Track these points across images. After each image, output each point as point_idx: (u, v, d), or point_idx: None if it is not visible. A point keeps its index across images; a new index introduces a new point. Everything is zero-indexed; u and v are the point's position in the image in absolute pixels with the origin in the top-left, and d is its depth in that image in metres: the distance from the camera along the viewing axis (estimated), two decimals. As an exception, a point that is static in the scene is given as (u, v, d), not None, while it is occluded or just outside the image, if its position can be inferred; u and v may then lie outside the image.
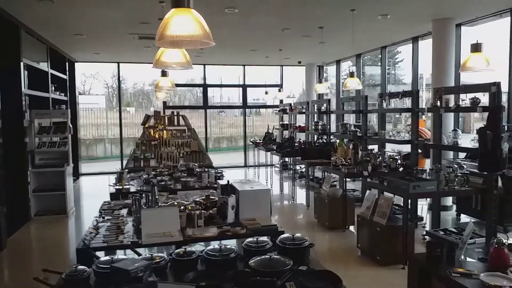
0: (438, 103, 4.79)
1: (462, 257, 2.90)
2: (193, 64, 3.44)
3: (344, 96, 10.29)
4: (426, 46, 7.86)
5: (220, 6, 5.79)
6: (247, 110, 13.47)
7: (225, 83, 14.38)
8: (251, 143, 10.90)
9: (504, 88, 5.50)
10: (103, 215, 3.53)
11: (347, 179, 8.35)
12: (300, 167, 9.94)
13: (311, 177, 9.22)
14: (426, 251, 2.93)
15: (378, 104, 6.12)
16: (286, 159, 10.21)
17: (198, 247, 2.87)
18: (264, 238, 2.76)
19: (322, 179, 7.78)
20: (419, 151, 6.73)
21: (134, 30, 7.13)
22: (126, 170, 5.90)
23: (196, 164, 6.48)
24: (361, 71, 11.02)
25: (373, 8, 5.98)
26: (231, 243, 2.76)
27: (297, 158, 7.84)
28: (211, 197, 3.72)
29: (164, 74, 5.72)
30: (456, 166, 4.60)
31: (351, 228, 5.74)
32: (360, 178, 6.51)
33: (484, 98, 4.59)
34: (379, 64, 9.94)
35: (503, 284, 2.31)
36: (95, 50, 9.67)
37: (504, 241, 2.74)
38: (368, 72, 15.06)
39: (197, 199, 3.70)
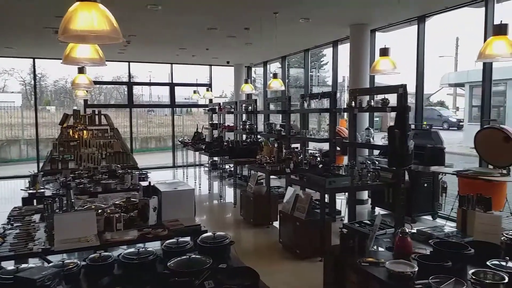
0: (353, 104, 5.12)
1: (375, 247, 3.15)
2: (117, 61, 3.32)
3: (270, 97, 10.55)
4: (347, 50, 8.34)
5: (142, 2, 5.65)
6: (177, 109, 13.25)
7: (156, 81, 13.99)
8: (179, 143, 10.76)
9: (412, 89, 6.05)
10: (12, 222, 3.28)
11: (274, 176, 8.65)
12: (229, 166, 10.02)
13: (239, 176, 9.34)
14: (340, 243, 3.13)
15: (299, 104, 6.38)
16: (216, 158, 10.23)
17: (120, 252, 2.80)
18: (186, 239, 2.77)
19: (249, 178, 7.92)
20: (338, 148, 7.17)
21: (49, 24, 6.69)
22: (41, 173, 5.52)
23: (119, 165, 6.25)
24: (287, 73, 11.38)
25: (295, 11, 6.21)
26: (155, 246, 2.72)
27: (225, 157, 7.90)
28: (132, 199, 3.63)
29: (81, 71, 5.43)
30: (369, 162, 4.96)
31: (275, 224, 5.94)
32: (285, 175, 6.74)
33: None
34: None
35: (406, 270, 2.48)
36: (7, 44, 8.91)
37: (407, 230, 3.01)
38: (296, 74, 15.57)
39: (117, 202, 3.59)
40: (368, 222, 4.80)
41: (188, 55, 10.56)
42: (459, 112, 26.97)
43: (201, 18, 6.69)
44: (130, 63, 11.74)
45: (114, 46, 8.94)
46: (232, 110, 10.04)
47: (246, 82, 8.24)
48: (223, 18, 6.69)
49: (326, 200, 6.05)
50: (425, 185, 6.02)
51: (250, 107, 8.94)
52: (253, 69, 13.55)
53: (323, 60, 23.29)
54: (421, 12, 6.38)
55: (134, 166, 6.82)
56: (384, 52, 4.39)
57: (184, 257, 2.35)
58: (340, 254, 3.08)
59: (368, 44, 7.12)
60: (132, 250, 2.47)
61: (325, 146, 6.61)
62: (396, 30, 7.55)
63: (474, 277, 2.26)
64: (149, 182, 3.61)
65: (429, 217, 6.20)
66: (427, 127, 6.43)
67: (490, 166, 5.33)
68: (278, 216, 5.11)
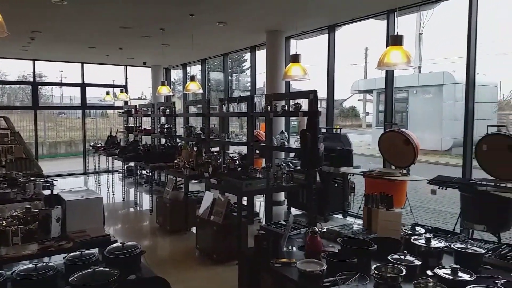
0: (269, 108, 5.23)
1: (289, 247, 3.23)
2: (20, 59, 2.99)
3: (189, 100, 10.40)
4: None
5: (46, -4, 5.23)
6: (91, 112, 12.44)
7: (69, 81, 12.95)
8: (91, 147, 10.12)
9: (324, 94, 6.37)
10: None
11: (195, 181, 8.52)
12: (147, 172, 9.66)
13: (156, 182, 9.06)
14: (254, 245, 3.16)
15: (218, 108, 6.38)
16: (132, 164, 9.79)
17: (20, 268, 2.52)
18: (93, 251, 2.59)
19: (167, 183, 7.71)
20: (257, 151, 7.28)
21: None
22: None
23: (20, 173, 5.68)
24: (207, 76, 11.34)
25: (211, 15, 6.20)
26: (59, 260, 2.50)
27: (141, 162, 7.60)
28: (32, 209, 3.31)
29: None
30: (284, 164, 5.10)
31: (193, 229, 5.84)
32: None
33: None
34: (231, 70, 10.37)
35: (316, 269, 2.57)
36: None
37: (317, 230, 3.13)
38: (218, 78, 15.60)
39: (15, 213, 3.25)
40: (283, 223, 4.93)
41: (100, 55, 10.00)
42: (368, 117, 29.11)
43: (112, 16, 6.38)
44: (36, 61, 10.79)
45: (15, 42, 8.15)
46: (149, 112, 9.71)
47: (163, 84, 8.03)
48: (136, 17, 6.44)
49: (245, 203, 6.14)
50: (336, 185, 6.36)
51: (168, 110, 8.72)
52: (174, 71, 13.28)
53: (244, 65, 23.65)
54: (331, 22, 6.75)
55: (38, 173, 6.26)
56: (295, 58, 4.56)
57: (89, 270, 2.19)
58: (255, 256, 3.11)
59: (283, 50, 7.35)
60: (29, 266, 2.25)
61: (246, 149, 6.68)
62: (312, 38, 7.89)
63: (376, 271, 2.42)
64: (51, 191, 3.33)
65: (340, 216, 6.56)
66: (338, 130, 6.81)
67: (393, 167, 5.79)
68: (196, 221, 5.03)
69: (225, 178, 4.85)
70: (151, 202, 7.05)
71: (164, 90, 7.87)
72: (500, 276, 2.43)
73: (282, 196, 7.29)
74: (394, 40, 3.03)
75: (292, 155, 7.50)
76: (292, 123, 15.45)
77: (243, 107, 5.81)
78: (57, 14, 6.11)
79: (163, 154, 7.56)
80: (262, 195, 6.34)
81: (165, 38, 7.63)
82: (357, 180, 6.27)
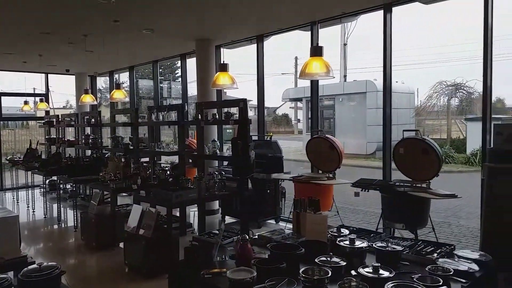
0: (200, 116, 5.20)
1: (222, 256, 3.20)
2: None
3: (116, 109, 10.01)
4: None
5: None
6: (9, 122, 11.43)
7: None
8: (7, 161, 9.30)
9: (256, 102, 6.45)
10: None
11: (125, 194, 8.16)
12: (71, 186, 9.07)
13: (82, 196, 8.56)
14: (185, 257, 3.09)
15: (147, 117, 6.20)
16: (55, 177, 9.14)
17: None
18: (7, 275, 2.37)
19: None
20: (190, 161, 7.18)
21: None
22: None
23: None
24: (135, 84, 11.00)
25: (136, 21, 6.04)
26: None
27: (63, 176, 7.12)
28: None
29: None
30: (216, 173, 5.08)
31: (122, 245, 5.59)
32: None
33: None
34: (163, 77, 10.12)
35: (246, 277, 2.58)
36: None
37: (247, 237, 3.15)
38: (150, 85, 15.17)
39: None
40: (217, 232, 4.90)
41: (17, 61, 9.28)
42: (300, 123, 30.08)
43: (31, 21, 5.95)
44: None
45: None
46: (73, 123, 9.16)
47: (87, 92, 7.63)
48: (57, 22, 6.07)
49: (177, 214, 6.01)
50: (268, 191, 6.47)
51: (93, 120, 8.29)
52: (102, 78, 12.69)
53: (178, 72, 23.27)
54: (259, 32, 6.90)
55: None
56: (223, 67, 4.59)
57: (-2, 297, 2.00)
58: (185, 268, 3.04)
59: (214, 59, 7.36)
60: None
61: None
62: (247, 47, 7.97)
63: (303, 275, 2.48)
64: (-45, 212, 3.00)
65: (273, 221, 6.67)
66: (269, 138, 6.94)
67: (320, 171, 6.02)
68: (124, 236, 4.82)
69: (154, 190, 4.72)
70: (75, 218, 6.63)
71: (88, 99, 7.49)
72: (416, 271, 2.61)
73: (216, 204, 7.25)
74: (315, 51, 3.17)
75: (226, 163, 7.51)
76: (228, 131, 15.51)
77: (173, 115, 5.70)
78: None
79: (88, 166, 7.16)
80: (195, 205, 6.27)
81: (88, 45, 7.27)
82: (289, 185, 6.43)
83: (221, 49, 7.77)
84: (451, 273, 2.53)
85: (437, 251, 3.10)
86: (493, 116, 4.77)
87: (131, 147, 6.62)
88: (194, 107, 5.54)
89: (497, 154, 3.90)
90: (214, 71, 7.36)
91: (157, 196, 4.56)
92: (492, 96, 4.57)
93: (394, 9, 5.26)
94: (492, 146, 4.17)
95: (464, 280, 2.55)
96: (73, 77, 11.62)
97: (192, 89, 9.56)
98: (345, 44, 22.10)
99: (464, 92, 19.49)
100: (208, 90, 7.14)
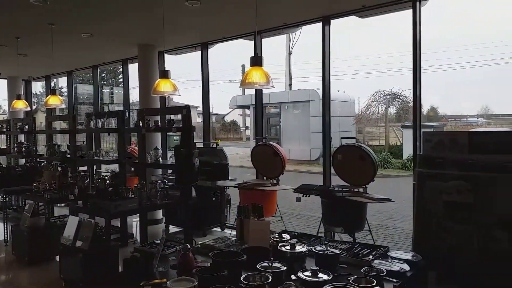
0: (141, 124, 5.07)
1: (164, 267, 3.13)
2: None
3: (53, 115, 9.50)
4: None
5: None
6: None
7: None
8: None
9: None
10: None
11: (63, 204, 7.71)
12: (2, 197, 8.43)
13: (14, 208, 7.98)
14: (123, 269, 3.00)
15: (85, 124, 5.94)
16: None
17: None
18: None
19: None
20: (132, 169, 6.97)
21: None
22: None
23: None
24: (74, 89, 10.53)
25: (73, 25, 5.79)
26: None
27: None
28: None
29: None
30: (159, 181, 4.97)
31: (58, 258, 5.29)
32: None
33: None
34: (105, 83, 9.75)
35: (187, 286, 2.54)
36: None
37: (188, 246, 3.11)
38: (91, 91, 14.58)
39: None
40: (159, 242, 4.79)
41: None
42: (248, 130, 30.26)
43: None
44: None
45: None
46: (4, 130, 8.54)
47: (19, 97, 7.18)
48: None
49: (118, 225, 5.79)
50: (214, 199, 6.44)
51: (27, 126, 7.78)
52: (40, 83, 11.97)
53: (121, 77, 22.53)
54: (203, 39, 6.89)
55: None
56: (164, 74, 4.53)
57: None
58: (125, 280, 2.95)
59: (157, 65, 7.23)
60: None
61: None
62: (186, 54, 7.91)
63: (244, 281, 2.50)
64: None
65: (218, 229, 6.63)
66: (214, 145, 6.93)
67: (265, 178, 6.10)
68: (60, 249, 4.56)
69: (92, 200, 4.52)
70: (5, 231, 6.17)
71: (20, 105, 7.04)
72: (352, 273, 2.72)
73: (160, 214, 7.08)
74: (255, 61, 3.23)
75: (170, 171, 7.38)
76: (174, 138, 15.25)
77: (113, 122, 5.51)
78: None
79: (21, 176, 6.73)
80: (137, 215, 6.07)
81: (21, 47, 6.86)
82: (235, 192, 6.43)
83: (164, 55, 7.66)
84: (384, 273, 2.67)
85: (373, 253, 3.26)
86: (426, 123, 5.11)
87: (69, 156, 6.31)
88: (136, 113, 5.39)
89: (426, 160, 4.19)
90: (157, 77, 7.21)
91: (95, 206, 4.37)
92: (421, 105, 4.90)
93: (332, 21, 5.48)
94: (422, 152, 4.46)
95: (395, 280, 2.70)
96: (5, 81, 10.88)
97: (135, 95, 9.34)
98: (289, 54, 22.64)
99: (400, 101, 20.69)
100: (150, 97, 6.99)
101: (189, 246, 3.10)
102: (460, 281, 3.69)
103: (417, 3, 4.69)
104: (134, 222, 6.86)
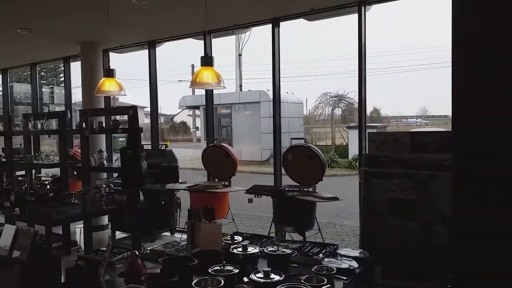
0: (84, 125, 4.83)
1: (111, 275, 2.97)
2: None
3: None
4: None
5: None
6: None
7: None
8: None
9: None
10: None
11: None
12: None
13: None
14: (66, 279, 2.83)
15: (22, 125, 5.56)
16: None
17: None
18: None
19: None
20: (75, 173, 6.62)
21: None
22: None
23: None
24: (10, 89, 9.86)
25: (8, 19, 5.41)
26: None
27: None
28: None
29: None
30: (104, 186, 4.75)
31: (-8, 271, 4.89)
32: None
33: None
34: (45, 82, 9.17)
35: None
36: None
37: (136, 253, 2.99)
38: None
39: None
40: (105, 249, 4.58)
41: None
42: (199, 131, 29.93)
43: None
44: None
45: None
46: None
47: None
48: None
49: (60, 232, 5.47)
50: (163, 202, 6.28)
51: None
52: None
53: (62, 76, 21.35)
54: (150, 38, 6.71)
55: None
56: (109, 73, 4.34)
57: None
58: (68, 291, 2.78)
59: (101, 63, 6.93)
60: None
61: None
62: (133, 52, 7.65)
63: (196, 286, 2.44)
64: None
65: (168, 233, 6.48)
66: (163, 147, 6.76)
67: (216, 179, 6.04)
68: (-7, 261, 4.22)
69: (31, 207, 4.23)
70: None
71: None
72: (303, 273, 2.75)
73: (105, 219, 6.79)
74: (205, 61, 3.18)
75: (116, 174, 7.10)
76: (120, 139, 14.71)
77: (54, 124, 5.20)
78: None
79: None
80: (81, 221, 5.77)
81: None
82: (185, 195, 6.31)
83: (110, 54, 7.36)
84: (334, 271, 2.72)
85: (323, 252, 3.31)
86: (370, 124, 5.32)
87: (4, 160, 5.88)
88: (79, 114, 5.11)
89: (371, 159, 4.34)
90: (101, 76, 6.92)
91: (34, 213, 4.09)
92: (366, 107, 5.09)
93: (282, 23, 5.55)
94: (367, 152, 4.63)
95: (345, 278, 2.76)
96: None
97: (78, 95, 8.89)
98: (239, 55, 22.70)
99: (346, 102, 21.47)
100: (94, 97, 6.69)
101: (137, 253, 2.99)
102: (405, 274, 3.87)
103: (363, 8, 4.86)
104: (78, 228, 6.52)
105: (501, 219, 1.83)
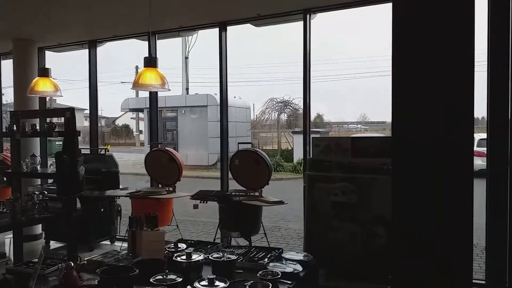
0: (15, 128, 4.47)
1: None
2: None
3: None
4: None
5: None
6: None
7: None
8: None
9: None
10: None
11: None
12: None
13: None
14: (-8, 296, 2.59)
15: None
16: None
17: None
18: None
19: None
20: (4, 179, 6.13)
21: None
22: None
23: None
24: None
25: None
26: None
27: None
28: None
29: None
30: (37, 193, 4.42)
31: None
32: None
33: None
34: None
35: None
36: None
37: (72, 264, 2.80)
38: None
39: None
40: (37, 260, 4.27)
41: None
42: (142, 135, 29.07)
43: None
44: None
45: None
46: None
47: None
48: None
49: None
50: (102, 210, 5.99)
51: None
52: None
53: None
54: (91, 37, 6.38)
55: None
56: (44, 72, 4.06)
57: None
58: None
59: (36, 62, 6.49)
60: None
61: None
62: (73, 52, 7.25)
63: (136, 297, 2.33)
64: None
65: (108, 242, 6.18)
66: (103, 151, 6.45)
67: (160, 185, 5.86)
68: None
69: (-50, 217, 3.83)
70: None
71: None
72: (249, 278, 2.72)
73: (38, 229, 6.35)
74: (149, 61, 3.07)
75: (51, 180, 6.66)
76: (57, 143, 13.88)
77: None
78: None
79: None
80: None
81: None
82: (126, 202, 6.06)
83: (46, 52, 6.93)
84: (279, 276, 2.72)
85: (268, 256, 3.32)
86: (314, 129, 5.44)
87: None
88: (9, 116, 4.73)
89: (315, 163, 4.43)
90: (35, 76, 6.49)
91: (-46, 224, 3.71)
92: (311, 112, 5.19)
93: (229, 28, 5.53)
94: (311, 156, 4.72)
95: (289, 282, 2.78)
96: None
97: (10, 95, 8.26)
98: (186, 58, 22.43)
99: (291, 108, 21.94)
100: (28, 97, 6.24)
101: (72, 264, 2.81)
102: (348, 276, 3.98)
103: (308, 16, 4.96)
104: (7, 239, 6.05)
105: (432, 223, 1.92)
